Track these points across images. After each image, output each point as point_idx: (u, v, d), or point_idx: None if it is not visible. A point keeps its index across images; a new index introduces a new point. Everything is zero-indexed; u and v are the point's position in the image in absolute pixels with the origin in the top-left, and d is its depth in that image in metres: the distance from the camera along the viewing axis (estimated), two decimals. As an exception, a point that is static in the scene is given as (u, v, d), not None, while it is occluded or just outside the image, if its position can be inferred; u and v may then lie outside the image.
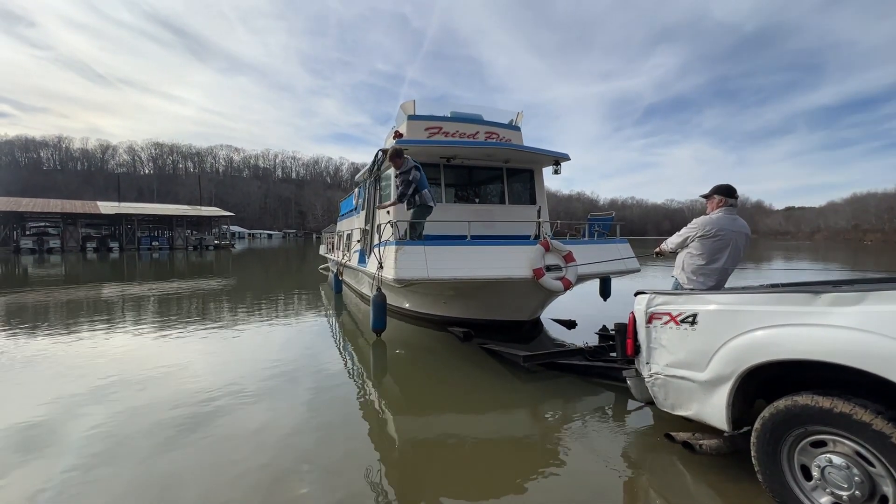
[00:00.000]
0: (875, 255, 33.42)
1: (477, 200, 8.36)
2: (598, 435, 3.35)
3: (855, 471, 1.95)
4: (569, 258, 5.72)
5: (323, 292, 11.67)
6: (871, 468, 1.91)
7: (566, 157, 7.98)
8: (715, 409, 2.56)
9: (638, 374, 3.21)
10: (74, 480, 2.69)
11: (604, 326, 6.11)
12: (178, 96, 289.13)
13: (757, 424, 2.31)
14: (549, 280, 5.43)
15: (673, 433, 2.95)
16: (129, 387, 4.35)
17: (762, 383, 2.53)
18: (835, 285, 2.63)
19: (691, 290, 3.59)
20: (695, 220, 3.81)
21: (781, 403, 2.19)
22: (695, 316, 2.68)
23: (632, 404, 3.86)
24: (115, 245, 41.29)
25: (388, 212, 7.13)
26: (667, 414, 3.02)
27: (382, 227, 6.59)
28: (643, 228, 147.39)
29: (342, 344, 6.27)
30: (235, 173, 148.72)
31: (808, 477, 2.15)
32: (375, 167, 7.75)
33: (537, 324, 6.99)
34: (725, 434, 2.56)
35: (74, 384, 4.40)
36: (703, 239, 3.69)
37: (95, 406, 3.85)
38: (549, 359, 4.89)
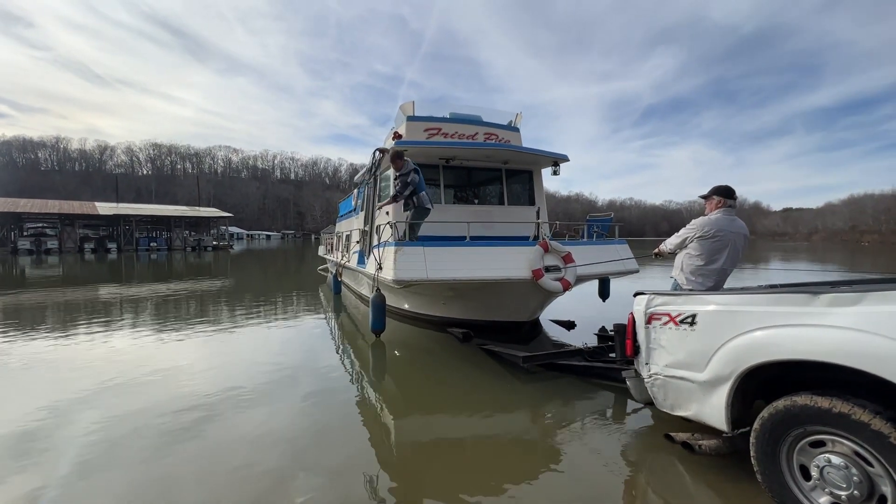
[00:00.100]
0: (872, 255, 33.52)
1: (476, 201, 8.37)
2: (598, 435, 3.35)
3: (854, 471, 1.96)
4: (568, 259, 5.73)
5: (322, 293, 11.66)
6: (869, 468, 1.92)
7: (565, 158, 8.00)
8: (714, 410, 2.56)
9: (637, 375, 3.21)
10: (71, 483, 2.68)
11: (603, 327, 6.13)
12: (176, 97, 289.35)
13: (756, 425, 2.31)
14: (548, 281, 5.44)
15: (672, 433, 2.96)
16: (126, 389, 4.34)
17: (761, 384, 2.54)
18: (833, 286, 2.64)
19: (690, 290, 3.60)
20: (693, 221, 3.82)
21: (780, 404, 2.20)
22: (694, 316, 2.69)
23: (631, 405, 3.86)
24: (113, 246, 41.15)
25: (387, 212, 7.14)
26: (666, 414, 3.02)
27: (381, 228, 6.59)
28: (642, 229, 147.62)
29: (341, 345, 6.27)
30: (234, 174, 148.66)
31: (807, 477, 2.15)
32: (374, 167, 7.75)
33: (536, 325, 6.99)
34: (725, 434, 2.57)
35: (71, 386, 4.39)
36: (701, 240, 3.71)
37: (93, 408, 3.84)
38: (548, 359, 4.90)
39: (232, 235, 65.38)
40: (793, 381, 2.40)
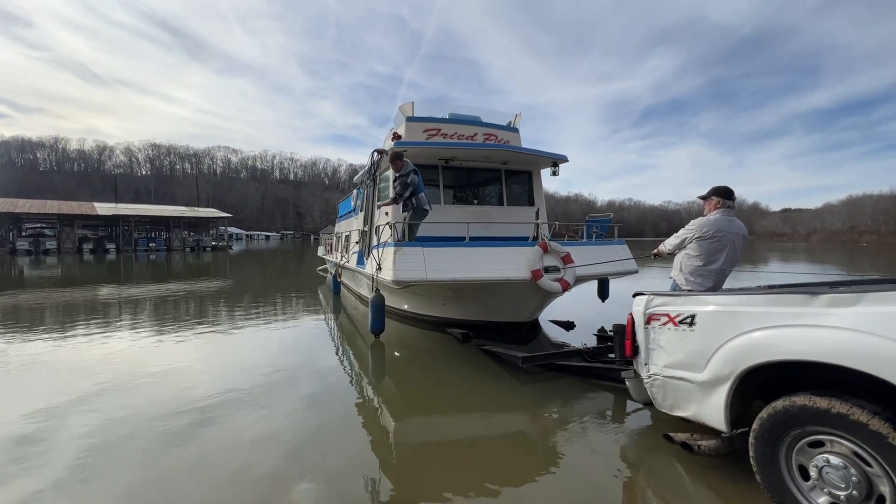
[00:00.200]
0: (871, 256, 33.59)
1: (475, 202, 8.38)
2: (597, 436, 3.36)
3: (852, 471, 1.96)
4: (567, 259, 5.73)
5: (321, 294, 11.66)
6: (868, 468, 1.92)
7: (564, 159, 8.00)
8: (713, 410, 2.57)
9: (636, 375, 3.22)
10: (69, 485, 2.68)
11: (602, 328, 6.13)
12: (175, 97, 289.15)
13: (755, 425, 2.32)
14: (547, 281, 5.44)
15: (671, 434, 2.96)
16: (125, 390, 4.33)
17: (760, 384, 2.54)
18: (832, 286, 2.65)
19: (689, 291, 3.61)
20: (692, 222, 3.83)
21: (779, 404, 2.20)
22: (693, 317, 2.69)
23: (630, 405, 3.86)
24: (111, 246, 41.08)
25: (386, 213, 7.14)
26: (665, 415, 3.03)
27: (381, 228, 6.59)
28: (641, 230, 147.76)
29: (341, 346, 6.27)
30: (233, 174, 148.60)
31: (806, 477, 2.16)
32: (373, 168, 7.75)
33: (536, 325, 6.99)
34: (724, 435, 2.57)
35: (69, 387, 4.38)
36: (700, 240, 3.71)
37: (91, 410, 3.83)
38: (547, 360, 4.90)
39: (231, 236, 65.35)
40: (792, 382, 2.41)
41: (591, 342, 5.68)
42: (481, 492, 2.62)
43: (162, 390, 4.29)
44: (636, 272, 7.10)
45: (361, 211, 9.02)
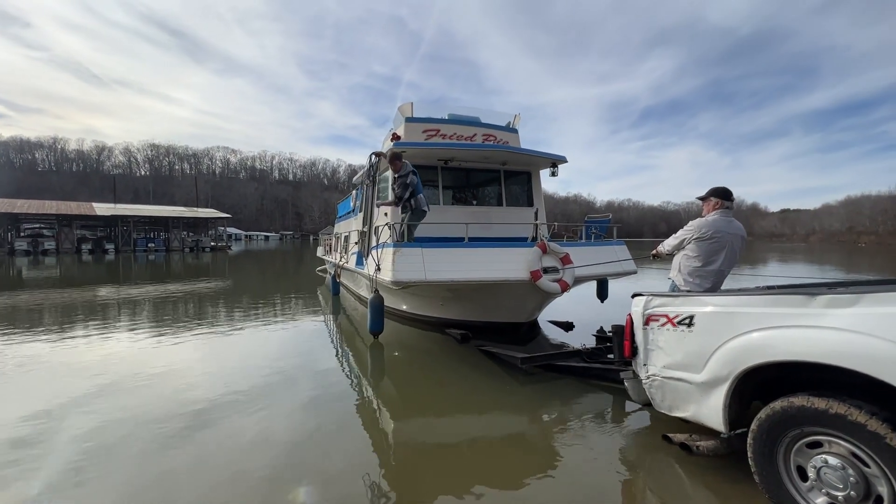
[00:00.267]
0: (870, 256, 33.66)
1: (474, 202, 8.38)
2: (596, 436, 3.36)
3: (850, 471, 1.97)
4: (566, 260, 5.74)
5: (320, 294, 11.65)
6: (866, 469, 1.93)
7: (563, 160, 8.01)
8: (712, 411, 2.57)
9: (635, 376, 3.22)
10: (67, 487, 2.67)
11: (601, 328, 6.14)
12: (174, 97, 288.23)
13: (753, 426, 2.32)
14: (546, 282, 5.44)
15: (670, 434, 2.97)
16: (123, 391, 4.32)
17: (759, 385, 2.55)
18: (830, 287, 2.65)
19: (688, 291, 3.61)
20: (691, 223, 3.84)
21: (777, 405, 2.21)
22: (691, 318, 2.70)
23: (629, 406, 3.87)
24: (110, 247, 41.01)
25: (385, 214, 7.14)
26: (664, 415, 3.03)
27: (380, 229, 6.59)
28: (640, 230, 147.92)
29: (340, 346, 6.27)
30: (232, 175, 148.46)
31: (804, 478, 2.16)
32: (373, 172, 7.76)
33: (535, 326, 7.00)
34: (722, 435, 2.58)
35: (67, 389, 4.37)
36: (699, 241, 3.72)
37: (89, 411, 3.82)
38: (546, 360, 4.90)
39: (230, 236, 65.28)
40: (790, 383, 2.41)
41: (591, 343, 5.69)
42: (480, 492, 2.62)
43: (161, 391, 4.28)
44: (635, 273, 7.11)
45: (360, 211, 9.02)
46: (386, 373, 5.21)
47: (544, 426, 3.68)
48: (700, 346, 2.62)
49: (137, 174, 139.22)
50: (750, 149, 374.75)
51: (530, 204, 8.30)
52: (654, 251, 4.28)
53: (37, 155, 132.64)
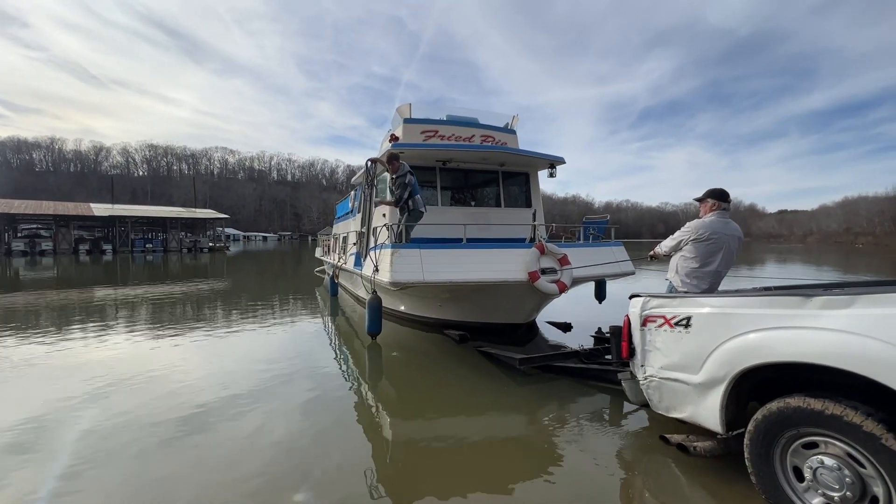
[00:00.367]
0: (867, 257, 33.77)
1: (473, 203, 8.39)
2: (594, 437, 3.36)
3: (846, 472, 1.97)
4: (564, 261, 5.74)
5: (319, 295, 11.64)
6: (861, 469, 1.93)
7: (561, 161, 8.02)
8: (709, 412, 2.58)
9: (633, 377, 3.23)
10: (65, 487, 2.67)
11: (599, 329, 6.15)
12: (172, 98, 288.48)
13: (750, 426, 2.33)
14: (544, 283, 5.45)
15: (668, 435, 2.97)
16: (121, 392, 4.31)
17: (756, 386, 2.55)
18: (826, 288, 2.66)
19: (685, 292, 3.62)
20: (688, 224, 3.85)
21: (774, 405, 2.21)
22: (689, 319, 2.70)
23: (627, 406, 3.87)
24: (108, 247, 40.91)
25: (383, 214, 7.14)
26: (661, 416, 3.04)
27: (378, 230, 6.59)
28: (638, 231, 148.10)
29: (338, 347, 6.26)
30: (230, 175, 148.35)
31: (801, 478, 2.17)
32: (371, 178, 7.76)
33: (533, 327, 7.00)
34: (719, 436, 2.58)
35: (65, 389, 4.36)
36: (696, 242, 3.73)
37: (86, 412, 3.81)
38: (544, 361, 4.91)
39: (228, 237, 65.15)
40: (787, 384, 2.42)
41: (589, 344, 5.69)
42: (479, 493, 2.62)
43: (159, 393, 4.27)
44: (633, 274, 7.12)
45: (359, 212, 9.02)
46: (384, 374, 5.20)
47: (542, 427, 3.68)
48: (697, 347, 2.63)
49: (135, 174, 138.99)
50: (748, 150, 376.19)
51: (528, 205, 8.31)
52: (651, 252, 4.29)
53: (34, 155, 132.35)
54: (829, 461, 2.03)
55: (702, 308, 2.67)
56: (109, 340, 6.44)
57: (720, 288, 3.87)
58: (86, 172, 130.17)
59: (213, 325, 7.69)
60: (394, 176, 6.36)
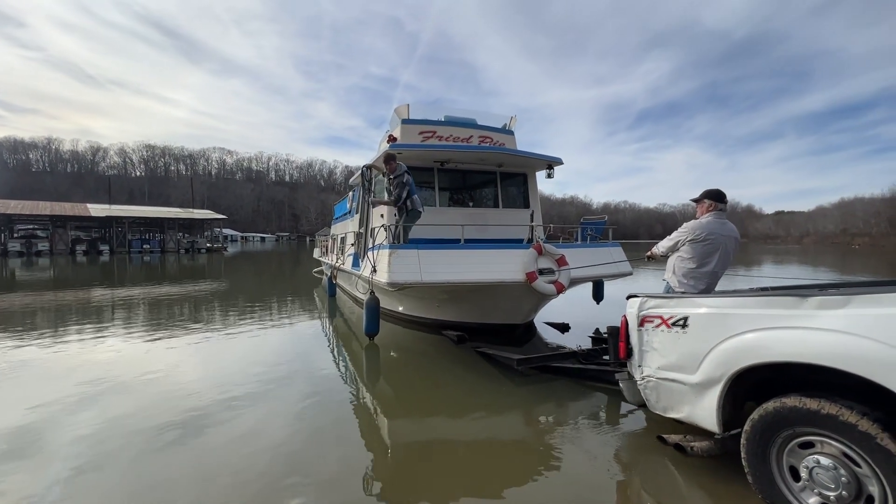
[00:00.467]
0: (863, 258, 33.91)
1: (471, 204, 8.39)
2: (591, 437, 3.37)
3: (842, 471, 1.98)
4: (562, 262, 5.75)
5: (317, 296, 11.62)
6: (857, 469, 1.94)
7: (559, 162, 8.03)
8: (706, 412, 2.59)
9: (630, 377, 3.23)
10: (61, 490, 2.65)
11: (597, 330, 6.16)
12: (170, 98, 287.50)
13: (746, 426, 2.34)
14: (542, 283, 5.45)
15: (665, 435, 2.98)
16: (117, 394, 4.30)
17: (752, 386, 2.56)
18: (821, 289, 2.67)
19: (682, 293, 3.63)
20: (685, 225, 3.86)
21: (770, 405, 2.22)
22: (686, 319, 2.71)
23: (624, 407, 3.88)
24: (105, 248, 40.83)
25: (381, 215, 7.13)
26: (659, 416, 3.04)
27: (376, 230, 6.59)
28: (636, 232, 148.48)
29: (336, 348, 6.25)
30: (228, 176, 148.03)
31: (797, 478, 2.18)
32: (368, 184, 7.77)
33: (531, 327, 7.01)
34: (716, 436, 2.59)
35: (61, 391, 4.33)
36: (693, 243, 3.74)
37: (82, 414, 3.79)
38: (542, 362, 4.91)
39: (226, 237, 64.98)
40: (783, 384, 2.43)
41: (586, 344, 5.70)
42: (477, 494, 2.62)
43: (155, 393, 4.26)
44: (630, 274, 7.14)
45: (357, 213, 9.01)
46: (382, 375, 5.20)
47: (540, 427, 3.68)
48: (694, 348, 2.64)
49: (133, 175, 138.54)
50: (746, 151, 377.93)
51: (526, 205, 8.32)
52: (648, 253, 4.30)
53: (31, 155, 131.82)
54: (825, 461, 2.04)
55: (699, 308, 2.68)
56: (106, 342, 6.41)
57: (717, 288, 3.88)
58: (83, 173, 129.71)
59: (210, 326, 7.67)
60: (391, 176, 6.36)
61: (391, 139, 7.65)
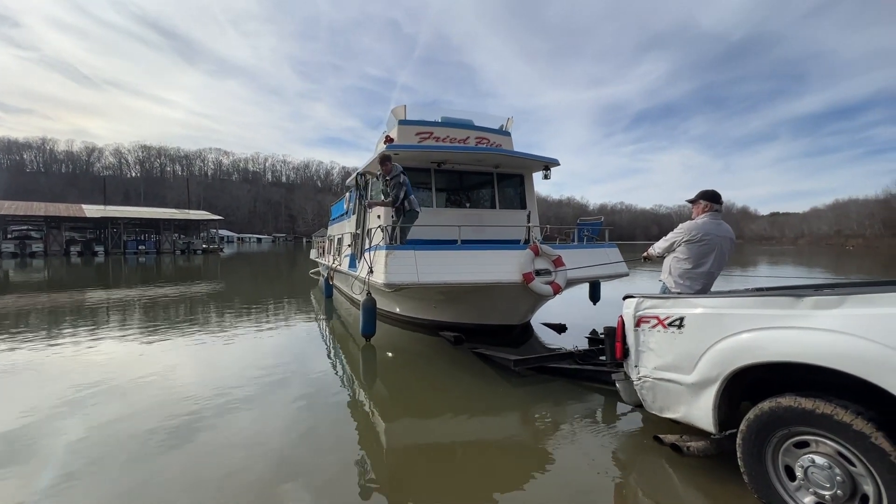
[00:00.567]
0: (857, 259, 34.17)
1: (468, 205, 8.39)
2: (588, 437, 3.37)
3: (837, 471, 1.99)
4: (558, 262, 5.76)
5: (314, 297, 11.59)
6: (852, 468, 1.95)
7: (556, 163, 8.05)
8: (702, 412, 2.59)
9: (627, 378, 3.24)
10: (56, 493, 2.63)
11: (593, 330, 6.17)
12: (166, 98, 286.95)
13: (742, 426, 2.35)
14: (538, 284, 5.46)
15: (661, 435, 2.99)
16: (112, 396, 4.26)
17: (748, 386, 2.57)
18: (817, 289, 2.69)
19: (678, 293, 3.64)
20: (681, 225, 3.87)
21: (765, 405, 2.23)
22: (682, 319, 2.72)
23: (621, 407, 3.89)
24: (100, 249, 40.52)
25: (378, 216, 7.12)
26: (655, 416, 3.05)
27: (373, 231, 6.58)
28: (632, 233, 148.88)
29: (332, 349, 6.23)
30: (224, 176, 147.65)
31: (792, 477, 2.18)
32: (364, 188, 7.76)
33: (527, 328, 7.01)
34: (712, 436, 2.60)
35: (55, 394, 4.30)
36: (689, 243, 3.75)
37: (78, 416, 3.77)
38: (539, 363, 4.91)
39: (222, 238, 64.68)
40: (779, 384, 2.44)
41: (583, 345, 5.71)
42: (473, 494, 2.61)
43: (150, 396, 4.23)
44: (627, 275, 7.16)
45: (354, 214, 9.00)
46: (379, 376, 5.19)
47: (537, 428, 3.69)
48: (690, 348, 2.64)
49: (128, 176, 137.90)
50: (741, 152, 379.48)
51: (523, 206, 8.33)
52: (645, 253, 4.31)
53: (25, 156, 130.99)
54: (819, 460, 2.05)
55: (695, 308, 2.69)
56: (101, 344, 6.37)
57: (713, 288, 3.90)
58: (77, 173, 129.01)
59: (206, 328, 7.63)
60: (387, 177, 6.35)
61: (388, 140, 7.64)
